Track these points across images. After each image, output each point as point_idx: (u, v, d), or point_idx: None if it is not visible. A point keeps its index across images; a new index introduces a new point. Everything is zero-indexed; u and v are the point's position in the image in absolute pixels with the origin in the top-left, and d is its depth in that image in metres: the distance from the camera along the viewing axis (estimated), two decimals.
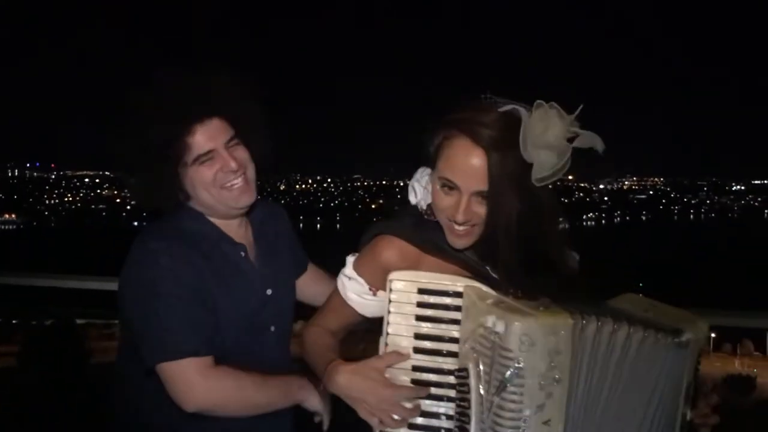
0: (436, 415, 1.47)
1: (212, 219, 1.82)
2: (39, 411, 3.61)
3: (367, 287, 1.65)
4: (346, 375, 1.47)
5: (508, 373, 1.29)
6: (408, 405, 1.45)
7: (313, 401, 1.76)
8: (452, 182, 1.48)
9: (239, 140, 1.79)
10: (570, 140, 1.41)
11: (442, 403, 1.46)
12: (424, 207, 1.63)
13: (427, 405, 1.47)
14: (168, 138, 1.67)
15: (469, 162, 1.45)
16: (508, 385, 1.29)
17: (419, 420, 1.47)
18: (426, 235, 1.59)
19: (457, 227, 1.51)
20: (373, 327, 1.60)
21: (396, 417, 1.44)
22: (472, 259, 1.57)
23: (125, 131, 1.71)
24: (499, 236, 1.46)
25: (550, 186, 1.44)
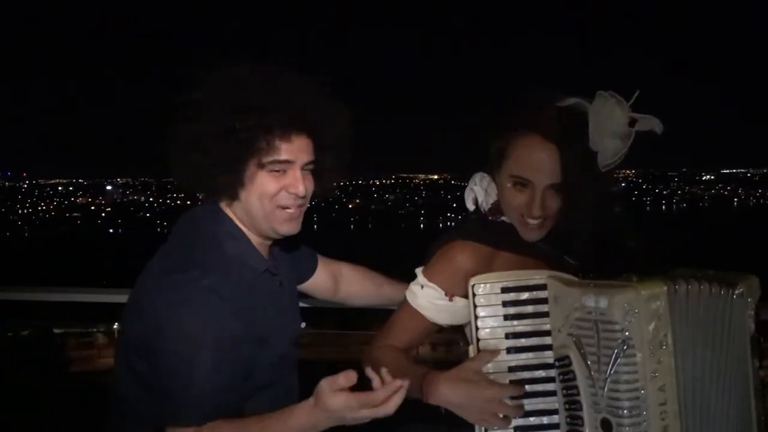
0: (540, 412, 1.50)
1: (251, 237, 1.69)
2: (16, 421, 3.59)
3: (442, 293, 1.66)
4: (447, 383, 1.48)
5: (618, 343, 1.34)
6: (512, 402, 1.48)
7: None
8: (525, 179, 1.54)
9: (313, 169, 1.70)
10: (630, 125, 1.48)
11: (547, 399, 1.50)
12: (487, 208, 1.70)
13: (530, 403, 1.50)
14: (261, 128, 1.56)
15: (541, 157, 1.51)
16: (621, 356, 1.33)
17: (522, 421, 1.49)
18: (495, 234, 1.64)
19: (531, 221, 1.57)
20: (438, 341, 1.63)
21: (502, 415, 1.47)
22: (546, 249, 1.61)
23: (214, 102, 1.57)
24: (576, 224, 1.52)
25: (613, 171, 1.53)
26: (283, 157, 1.60)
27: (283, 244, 1.82)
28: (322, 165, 1.72)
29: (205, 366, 1.46)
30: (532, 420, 1.50)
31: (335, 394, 1.36)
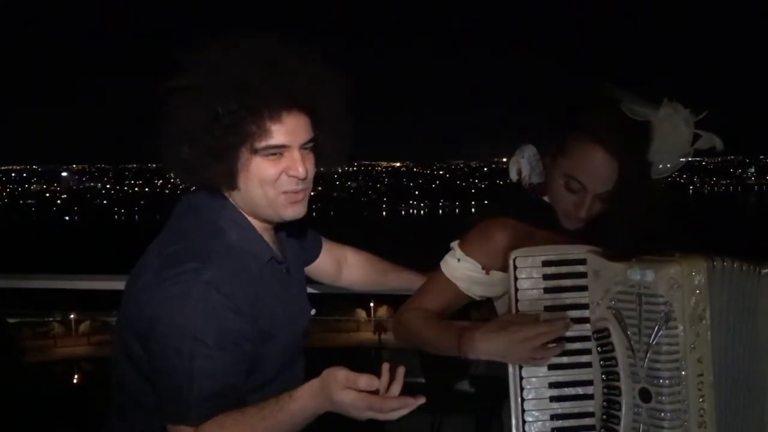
0: (576, 383, 1.52)
1: (254, 223, 1.58)
2: None
3: (479, 267, 1.68)
4: (485, 335, 1.49)
5: (661, 315, 1.39)
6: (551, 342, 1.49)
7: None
8: (580, 182, 1.54)
9: (313, 146, 1.58)
10: (692, 141, 1.51)
11: (583, 370, 1.52)
12: (529, 183, 1.72)
13: (567, 374, 1.52)
14: (248, 111, 1.44)
15: (598, 165, 1.51)
16: (663, 327, 1.39)
17: (557, 391, 1.52)
18: (535, 213, 1.67)
19: (574, 216, 1.60)
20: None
21: (543, 352, 1.48)
22: (585, 232, 1.62)
23: (195, 88, 1.45)
24: (620, 228, 1.52)
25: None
26: (277, 141, 1.48)
27: (288, 227, 1.72)
28: (324, 141, 1.60)
29: (205, 364, 1.40)
30: (568, 390, 1.53)
31: (347, 391, 1.32)
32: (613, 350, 1.47)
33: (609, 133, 1.50)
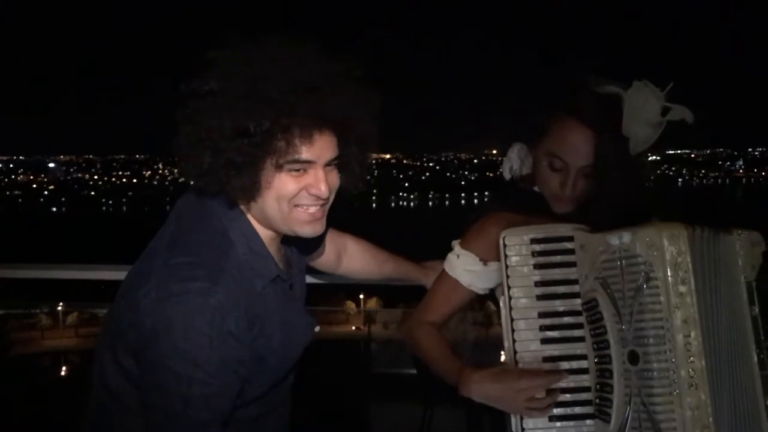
0: (570, 357, 1.55)
1: (264, 233, 1.52)
2: None
3: (477, 259, 1.73)
4: (480, 380, 1.55)
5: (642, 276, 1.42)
6: (545, 394, 1.52)
7: None
8: (561, 159, 1.61)
9: (337, 164, 1.53)
10: (663, 114, 1.53)
11: (576, 345, 1.55)
12: (520, 176, 1.79)
13: (560, 348, 1.56)
14: (280, 127, 1.38)
15: (577, 140, 1.58)
16: (645, 287, 1.41)
17: (552, 365, 1.54)
18: (527, 202, 1.72)
19: (562, 198, 1.65)
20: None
21: (537, 406, 1.51)
22: (576, 218, 1.66)
23: (225, 97, 1.38)
24: (603, 205, 1.57)
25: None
26: (304, 157, 1.41)
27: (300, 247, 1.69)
28: (349, 158, 1.54)
29: (202, 390, 1.36)
30: (562, 365, 1.55)
31: None
32: (601, 319, 1.49)
33: (583, 108, 1.58)
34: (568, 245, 1.58)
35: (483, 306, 1.72)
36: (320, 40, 1.42)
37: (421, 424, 1.75)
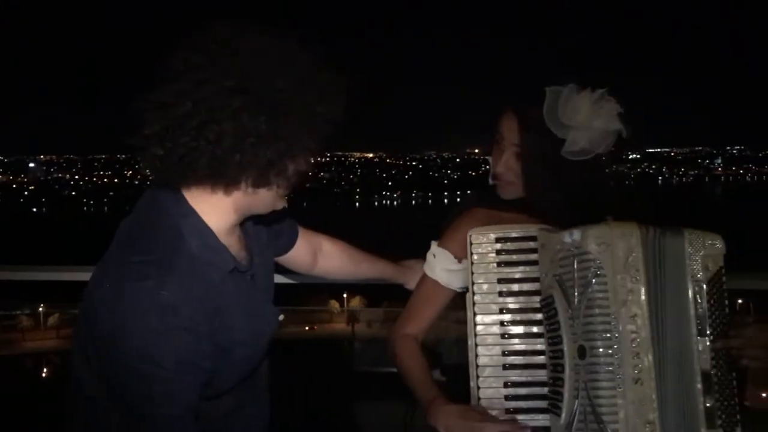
0: (529, 353, 1.59)
1: (220, 228, 1.48)
2: None
3: (452, 256, 1.78)
4: (448, 416, 1.57)
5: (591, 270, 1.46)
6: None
7: None
8: (500, 132, 1.72)
9: None
10: (605, 122, 1.61)
11: (535, 340, 1.59)
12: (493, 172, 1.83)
13: (519, 344, 1.60)
14: (310, 156, 1.42)
15: (511, 122, 1.70)
16: (593, 283, 1.45)
17: (509, 359, 1.59)
18: (496, 198, 1.79)
19: (499, 180, 1.74)
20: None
21: None
22: (548, 213, 1.70)
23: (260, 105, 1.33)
24: (533, 191, 1.69)
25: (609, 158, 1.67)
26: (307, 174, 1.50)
27: (259, 218, 1.64)
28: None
29: (165, 387, 1.36)
30: (514, 360, 1.59)
31: None
32: (556, 315, 1.52)
33: (524, 102, 1.69)
34: (532, 244, 1.61)
35: (465, 304, 1.74)
36: (302, 36, 1.41)
37: (404, 422, 1.76)
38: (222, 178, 1.38)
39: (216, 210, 1.46)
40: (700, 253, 1.55)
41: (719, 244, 1.56)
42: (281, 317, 1.61)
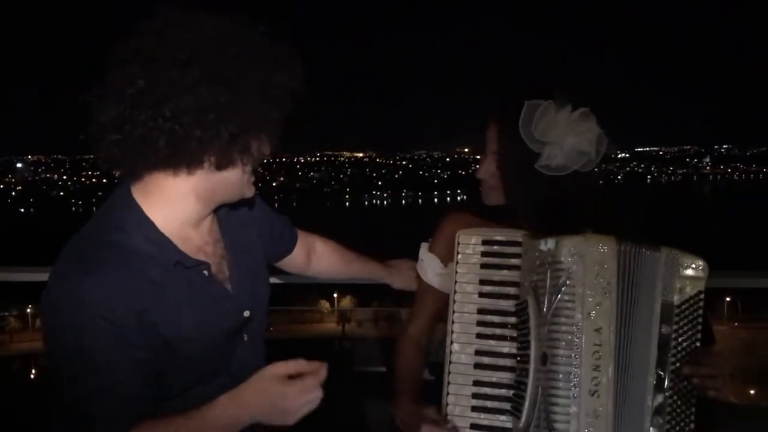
0: (499, 354, 1.61)
1: (169, 224, 1.43)
2: None
3: (438, 260, 1.82)
4: (409, 416, 1.66)
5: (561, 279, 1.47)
6: None
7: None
8: (485, 140, 1.75)
9: None
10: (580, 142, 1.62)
11: (506, 343, 1.61)
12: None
13: (492, 345, 1.62)
14: (273, 130, 1.39)
15: (493, 131, 1.74)
16: (562, 291, 1.46)
17: (479, 358, 1.62)
18: (489, 209, 1.80)
19: (483, 186, 1.77)
20: None
21: None
22: (533, 221, 1.70)
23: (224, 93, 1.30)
24: (511, 198, 1.71)
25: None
26: (266, 157, 1.47)
27: (247, 217, 1.65)
28: None
29: (94, 381, 1.33)
30: (486, 360, 1.62)
31: (284, 383, 1.32)
32: (528, 320, 1.54)
33: (504, 113, 1.70)
34: (516, 249, 1.63)
35: None
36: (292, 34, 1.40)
37: (391, 422, 1.78)
38: (183, 159, 1.33)
39: (176, 199, 1.42)
40: (677, 275, 1.55)
41: (700, 270, 1.55)
42: (246, 313, 1.53)
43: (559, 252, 1.48)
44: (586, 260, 1.47)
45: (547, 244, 1.50)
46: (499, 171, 1.71)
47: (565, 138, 1.61)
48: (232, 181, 1.41)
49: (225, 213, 1.57)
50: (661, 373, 1.51)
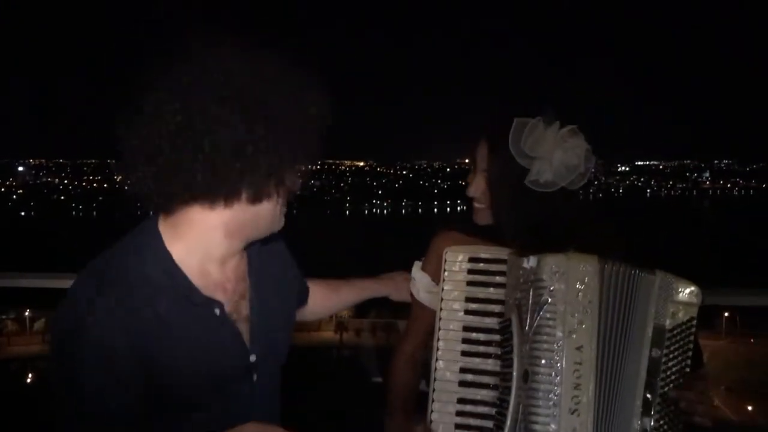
0: (483, 372, 1.61)
1: (190, 258, 1.41)
2: None
3: (429, 279, 1.84)
4: (390, 429, 1.77)
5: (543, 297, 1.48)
6: None
7: None
8: (474, 158, 1.77)
9: None
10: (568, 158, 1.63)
11: (490, 361, 1.62)
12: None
13: (477, 363, 1.63)
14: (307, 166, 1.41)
15: (483, 150, 1.75)
16: (543, 309, 1.47)
17: (462, 376, 1.63)
18: (473, 224, 1.82)
19: (474, 204, 1.79)
20: None
21: None
22: (521, 241, 1.70)
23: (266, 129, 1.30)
24: (499, 215, 1.72)
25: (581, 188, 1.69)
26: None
27: (278, 259, 1.66)
28: None
29: (87, 407, 1.33)
30: (470, 377, 1.62)
31: None
32: (511, 338, 1.54)
33: (493, 131, 1.73)
34: (502, 267, 1.64)
35: None
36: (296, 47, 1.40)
37: None
38: (221, 192, 1.32)
39: (202, 233, 1.40)
40: (670, 299, 1.56)
41: (694, 296, 1.56)
42: (252, 358, 1.49)
43: (541, 270, 1.49)
44: (568, 278, 1.47)
45: (530, 262, 1.51)
46: (489, 189, 1.73)
47: (554, 153, 1.62)
48: (264, 214, 1.40)
49: (257, 252, 1.54)
50: (649, 397, 1.51)
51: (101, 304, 1.29)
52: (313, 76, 1.39)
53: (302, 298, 1.86)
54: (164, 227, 1.40)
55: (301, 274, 1.84)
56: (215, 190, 1.31)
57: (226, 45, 1.34)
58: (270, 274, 1.58)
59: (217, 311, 1.43)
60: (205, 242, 1.40)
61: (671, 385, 1.51)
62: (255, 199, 1.35)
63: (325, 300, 1.98)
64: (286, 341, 1.64)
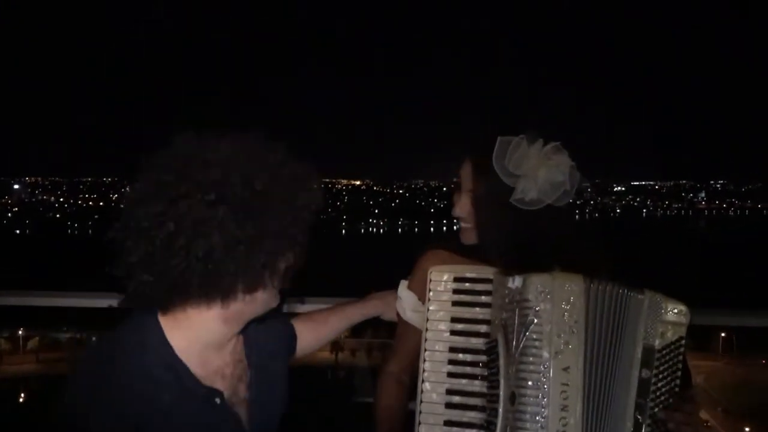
0: (469, 393, 1.59)
1: (190, 348, 1.41)
2: None
3: (416, 298, 1.82)
4: None
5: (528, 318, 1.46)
6: None
7: None
8: (459, 178, 1.77)
9: None
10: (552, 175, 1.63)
11: (476, 382, 1.60)
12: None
13: (464, 384, 1.60)
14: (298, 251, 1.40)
15: (467, 169, 1.75)
16: (529, 330, 1.45)
17: (449, 398, 1.61)
18: (459, 243, 1.81)
19: (460, 223, 1.78)
20: None
21: None
22: (508, 260, 1.68)
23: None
24: (484, 233, 1.71)
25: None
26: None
27: (269, 326, 1.63)
28: None
29: None
30: (457, 399, 1.60)
31: None
32: (497, 359, 1.52)
33: (477, 149, 1.74)
34: (487, 287, 1.62)
35: None
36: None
37: None
38: (217, 292, 1.32)
39: (202, 324, 1.40)
40: (659, 319, 1.55)
41: (683, 315, 1.55)
42: None
43: (526, 290, 1.47)
44: (554, 298, 1.46)
45: (515, 282, 1.49)
46: (474, 208, 1.72)
47: (538, 170, 1.62)
48: (261, 299, 1.41)
49: (253, 326, 1.54)
50: (639, 418, 1.50)
51: (102, 412, 1.29)
52: (301, 162, 1.39)
53: (291, 346, 1.83)
54: (164, 319, 1.39)
55: (286, 318, 1.82)
56: (212, 294, 1.31)
57: (211, 138, 1.35)
58: (264, 347, 1.59)
59: (218, 400, 1.43)
60: (204, 332, 1.41)
61: (661, 405, 1.50)
62: (251, 290, 1.35)
63: (314, 335, 1.96)
64: (281, 410, 1.64)
